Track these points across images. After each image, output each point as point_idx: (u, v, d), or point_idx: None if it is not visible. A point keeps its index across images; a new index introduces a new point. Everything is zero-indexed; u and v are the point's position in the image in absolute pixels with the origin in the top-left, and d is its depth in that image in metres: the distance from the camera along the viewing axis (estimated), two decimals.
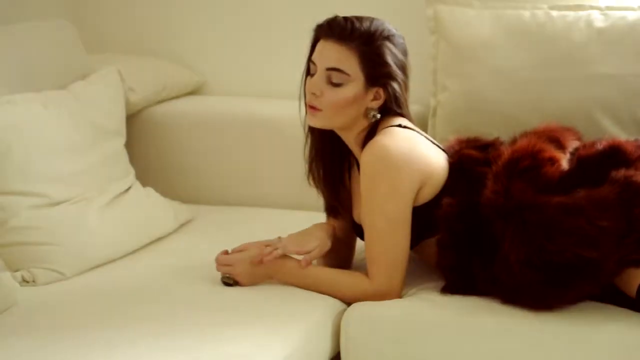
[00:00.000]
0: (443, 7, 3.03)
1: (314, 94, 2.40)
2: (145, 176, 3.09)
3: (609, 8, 2.94)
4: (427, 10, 3.06)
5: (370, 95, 2.42)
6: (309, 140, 2.55)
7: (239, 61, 3.47)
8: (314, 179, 2.58)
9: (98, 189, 2.74)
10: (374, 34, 2.40)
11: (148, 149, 3.25)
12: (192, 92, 3.48)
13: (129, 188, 2.87)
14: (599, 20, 2.91)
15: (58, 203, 2.62)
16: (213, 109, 3.29)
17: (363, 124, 2.46)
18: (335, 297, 2.43)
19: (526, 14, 2.96)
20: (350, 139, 2.50)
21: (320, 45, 2.43)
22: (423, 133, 2.52)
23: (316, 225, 2.56)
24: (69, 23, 3.10)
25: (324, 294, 2.43)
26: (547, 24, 2.92)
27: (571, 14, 2.93)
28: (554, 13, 2.95)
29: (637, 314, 2.26)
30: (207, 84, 3.52)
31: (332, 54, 2.40)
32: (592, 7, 2.95)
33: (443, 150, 2.53)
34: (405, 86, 2.47)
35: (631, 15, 2.89)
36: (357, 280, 2.44)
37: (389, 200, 2.38)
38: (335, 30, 2.41)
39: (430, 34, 3.05)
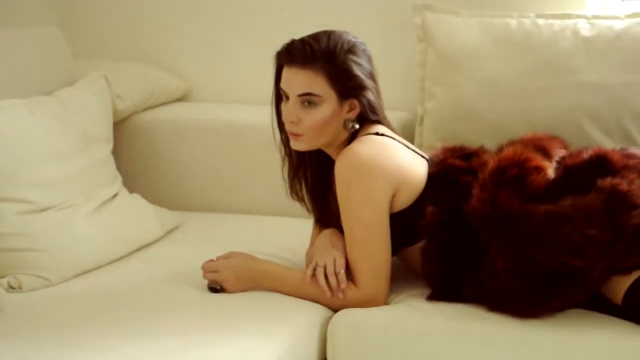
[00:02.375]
0: (431, 15, 3.04)
1: (292, 122, 2.42)
2: (132, 183, 3.09)
3: (595, 17, 2.95)
4: (415, 18, 3.07)
5: (346, 108, 2.44)
6: (286, 161, 2.57)
7: (226, 68, 3.48)
8: (297, 195, 2.60)
9: (85, 195, 2.73)
10: (334, 50, 2.41)
11: (135, 155, 3.24)
12: (179, 99, 3.48)
13: (116, 195, 2.86)
14: (585, 29, 2.92)
15: (44, 209, 2.61)
16: (200, 115, 3.28)
17: (344, 135, 2.48)
18: (322, 304, 2.43)
19: (513, 22, 2.97)
20: (333, 152, 2.51)
21: (285, 72, 2.43)
22: (402, 140, 2.53)
23: (326, 235, 2.53)
24: (57, 29, 3.10)
25: (310, 300, 2.43)
26: (534, 33, 2.93)
27: (558, 23, 2.94)
28: (541, 22, 2.96)
29: (622, 321, 2.27)
30: (194, 91, 3.52)
31: (300, 80, 2.40)
32: (578, 16, 2.96)
33: (424, 157, 2.54)
34: (377, 92, 2.48)
35: (617, 25, 2.90)
36: (346, 290, 2.43)
37: (363, 206, 2.39)
38: (296, 55, 2.41)
39: (418, 42, 3.06)
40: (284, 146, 2.56)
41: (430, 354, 2.31)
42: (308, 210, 2.63)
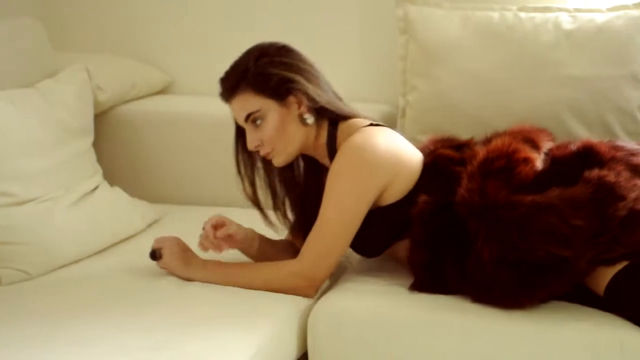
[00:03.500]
0: (413, 7, 3.04)
1: (257, 146, 2.47)
2: (113, 175, 3.08)
3: (577, 10, 2.96)
4: (397, 11, 3.07)
5: (293, 105, 2.46)
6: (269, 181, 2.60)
7: (208, 60, 3.47)
8: (283, 214, 2.63)
9: (65, 188, 2.72)
10: (246, 65, 2.47)
11: (116, 148, 3.23)
12: (161, 92, 3.47)
13: (96, 187, 2.85)
14: (567, 22, 2.92)
15: (24, 202, 2.60)
16: (181, 108, 3.28)
17: (312, 132, 2.49)
18: (257, 284, 2.42)
19: (495, 15, 2.97)
20: (316, 154, 2.53)
21: (230, 107, 2.50)
22: (398, 132, 2.54)
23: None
24: (37, 21, 3.08)
25: (246, 284, 2.43)
26: (515, 26, 2.94)
27: (540, 16, 2.95)
28: (523, 15, 2.96)
29: (603, 313, 2.27)
30: (176, 83, 3.51)
31: (237, 107, 2.48)
32: (560, 9, 2.97)
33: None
34: (310, 77, 2.48)
35: (599, 18, 2.91)
36: (282, 263, 2.47)
37: (348, 194, 2.39)
38: (225, 90, 2.49)
39: (400, 35, 3.06)
40: (267, 176, 2.59)
41: (411, 344, 2.31)
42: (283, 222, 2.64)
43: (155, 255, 2.50)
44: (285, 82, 2.45)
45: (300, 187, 2.60)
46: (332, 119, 2.50)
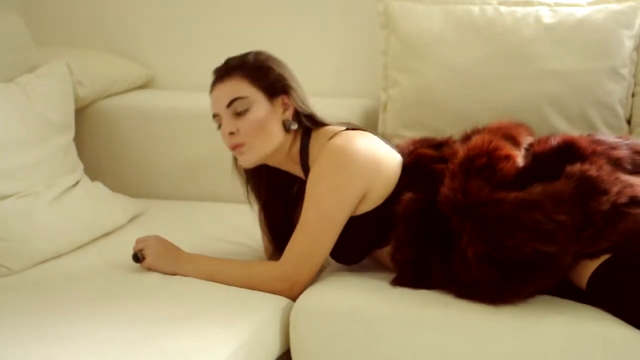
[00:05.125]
0: (393, 2, 3.04)
1: (231, 134, 2.44)
2: (94, 170, 3.08)
3: (557, 4, 2.96)
4: (378, 5, 3.07)
5: (279, 107, 2.46)
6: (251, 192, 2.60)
7: (189, 56, 3.47)
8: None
9: (46, 183, 2.71)
10: (248, 58, 2.47)
11: (97, 143, 3.23)
12: (142, 86, 3.47)
13: (77, 182, 2.84)
14: (547, 16, 2.93)
15: (5, 197, 2.59)
16: (162, 103, 3.27)
17: (289, 140, 2.48)
18: (240, 282, 2.42)
19: (475, 9, 2.98)
20: (283, 161, 2.51)
21: (214, 94, 2.48)
22: (377, 135, 2.53)
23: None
24: (17, 16, 3.06)
25: (230, 280, 2.43)
26: (496, 20, 2.94)
27: (520, 10, 2.95)
28: (503, 9, 2.97)
29: (584, 306, 2.28)
30: (157, 78, 3.51)
31: (223, 93, 2.45)
32: (540, 3, 2.97)
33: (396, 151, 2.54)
34: (300, 86, 2.50)
35: (579, 12, 2.92)
36: (265, 264, 2.49)
37: (328, 196, 2.39)
38: (218, 77, 2.48)
39: (381, 29, 3.06)
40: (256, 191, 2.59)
41: (394, 340, 2.31)
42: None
43: (137, 257, 2.50)
44: (281, 80, 2.45)
45: (263, 197, 2.59)
46: (306, 128, 2.50)
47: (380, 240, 2.46)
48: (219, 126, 2.48)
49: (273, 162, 2.52)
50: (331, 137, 2.44)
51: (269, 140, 2.45)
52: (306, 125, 2.49)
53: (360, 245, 2.47)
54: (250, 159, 2.47)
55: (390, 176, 2.45)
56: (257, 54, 2.49)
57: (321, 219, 2.39)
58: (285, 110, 2.46)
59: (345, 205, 2.40)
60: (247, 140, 2.44)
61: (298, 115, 2.48)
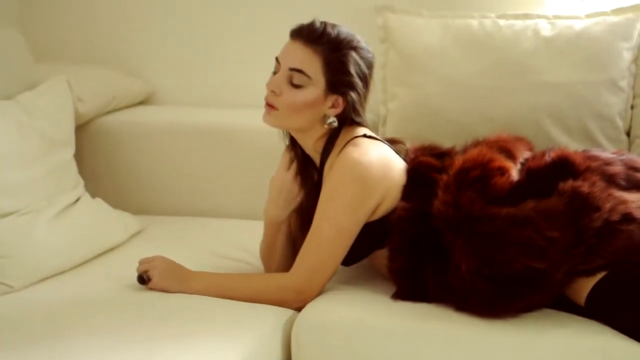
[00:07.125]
0: (392, 16, 3.05)
1: (273, 91, 2.43)
2: (94, 187, 3.08)
3: (556, 17, 2.97)
4: (377, 19, 3.08)
5: (329, 102, 2.44)
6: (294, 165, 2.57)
7: (189, 71, 3.47)
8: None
9: (46, 200, 2.71)
10: (341, 42, 2.43)
11: (97, 159, 3.23)
12: (142, 102, 3.47)
13: (78, 199, 2.84)
14: (546, 29, 2.93)
15: (5, 215, 2.59)
16: (163, 119, 3.27)
17: (320, 130, 2.48)
18: (248, 296, 2.42)
19: (474, 23, 2.98)
20: (308, 144, 2.51)
21: (288, 45, 2.45)
22: (385, 142, 2.54)
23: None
24: (17, 32, 3.07)
25: (237, 295, 2.42)
26: (495, 33, 2.95)
27: (519, 23, 2.96)
28: (502, 22, 2.97)
29: (584, 320, 2.28)
30: (157, 94, 3.51)
31: (297, 54, 2.42)
32: (539, 16, 2.98)
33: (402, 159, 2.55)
34: (364, 98, 2.49)
35: (578, 24, 2.92)
36: (274, 275, 2.49)
37: (343, 212, 2.39)
38: (304, 32, 2.43)
39: (380, 43, 3.06)
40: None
41: (395, 354, 2.31)
42: None
43: (143, 279, 2.49)
44: (349, 85, 2.43)
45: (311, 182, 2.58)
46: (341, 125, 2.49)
47: (380, 243, 2.47)
48: (274, 72, 2.46)
49: (298, 139, 2.52)
50: (347, 142, 2.44)
51: (299, 122, 2.45)
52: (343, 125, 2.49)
53: (364, 249, 2.48)
54: (272, 123, 2.47)
55: (399, 185, 2.45)
56: (352, 48, 2.43)
57: (336, 235, 2.40)
58: (333, 107, 2.45)
59: (361, 220, 2.41)
60: (280, 108, 2.43)
61: (344, 116, 2.47)
